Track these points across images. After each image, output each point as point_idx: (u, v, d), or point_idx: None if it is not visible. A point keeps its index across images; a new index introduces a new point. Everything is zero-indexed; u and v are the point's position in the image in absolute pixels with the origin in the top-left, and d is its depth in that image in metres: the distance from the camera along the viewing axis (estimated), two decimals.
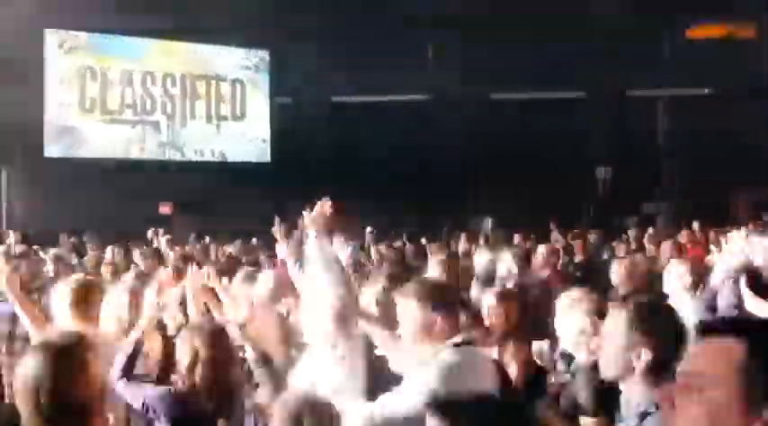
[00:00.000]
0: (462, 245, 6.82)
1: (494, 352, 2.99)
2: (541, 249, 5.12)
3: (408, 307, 2.27)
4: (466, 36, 11.80)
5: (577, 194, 11.77)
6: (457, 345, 2.22)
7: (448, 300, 2.32)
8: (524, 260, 4.70)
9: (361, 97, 12.66)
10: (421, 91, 12.67)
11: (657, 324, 1.87)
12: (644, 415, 1.69)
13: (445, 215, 10.17)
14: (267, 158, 13.14)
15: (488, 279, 4.35)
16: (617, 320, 1.95)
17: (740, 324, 1.23)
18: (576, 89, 12.67)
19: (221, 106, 12.93)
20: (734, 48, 12.70)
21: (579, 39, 11.89)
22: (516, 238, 7.35)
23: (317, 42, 11.76)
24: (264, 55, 13.13)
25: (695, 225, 7.67)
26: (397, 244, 7.02)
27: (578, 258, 6.19)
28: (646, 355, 1.84)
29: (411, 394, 2.13)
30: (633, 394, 1.91)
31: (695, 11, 12.33)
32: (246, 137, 13.12)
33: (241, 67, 13.04)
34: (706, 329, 1.22)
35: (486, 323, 3.29)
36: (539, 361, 3.11)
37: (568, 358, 2.79)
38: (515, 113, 12.10)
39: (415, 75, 12.46)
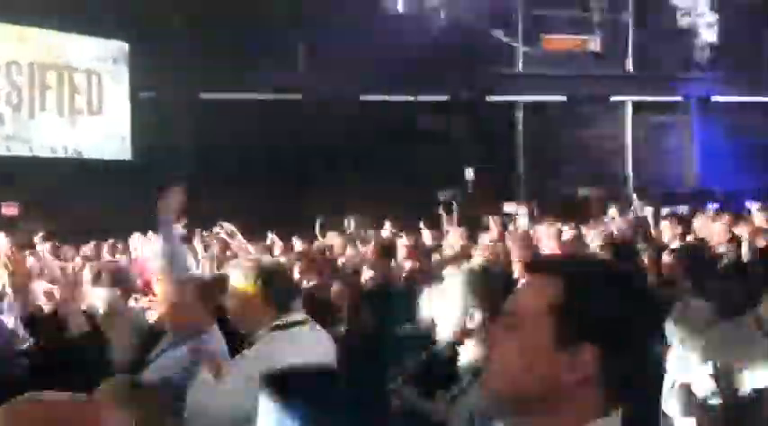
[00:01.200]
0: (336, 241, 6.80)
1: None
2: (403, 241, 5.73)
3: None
4: (335, 36, 11.69)
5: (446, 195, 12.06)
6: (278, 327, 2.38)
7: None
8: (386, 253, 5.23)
9: (229, 94, 12.17)
10: (291, 90, 12.39)
11: (488, 287, 2.01)
12: (478, 371, 1.69)
13: (313, 212, 9.96)
14: (128, 156, 12.31)
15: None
16: (452, 285, 2.10)
17: (558, 263, 1.21)
18: (442, 93, 12.97)
19: (75, 99, 11.91)
20: (584, 59, 13.60)
21: (445, 46, 12.24)
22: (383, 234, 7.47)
23: (184, 35, 11.17)
24: (123, 46, 12.21)
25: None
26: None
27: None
28: (479, 316, 2.00)
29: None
30: (469, 355, 2.03)
31: (551, 23, 13.09)
32: (104, 132, 12.19)
33: (97, 59, 12.08)
34: (527, 268, 1.21)
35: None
36: None
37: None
38: (385, 114, 12.18)
39: (286, 74, 12.17)
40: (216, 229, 6.37)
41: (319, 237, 7.31)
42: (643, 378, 1.18)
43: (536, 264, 1.23)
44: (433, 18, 11.97)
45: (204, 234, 6.75)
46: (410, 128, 12.31)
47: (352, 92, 12.27)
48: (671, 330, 2.81)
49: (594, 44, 13.86)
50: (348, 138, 11.99)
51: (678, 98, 13.91)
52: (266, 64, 11.49)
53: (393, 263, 5.18)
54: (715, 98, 13.90)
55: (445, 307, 2.13)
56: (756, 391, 2.44)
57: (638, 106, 13.67)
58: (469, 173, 12.69)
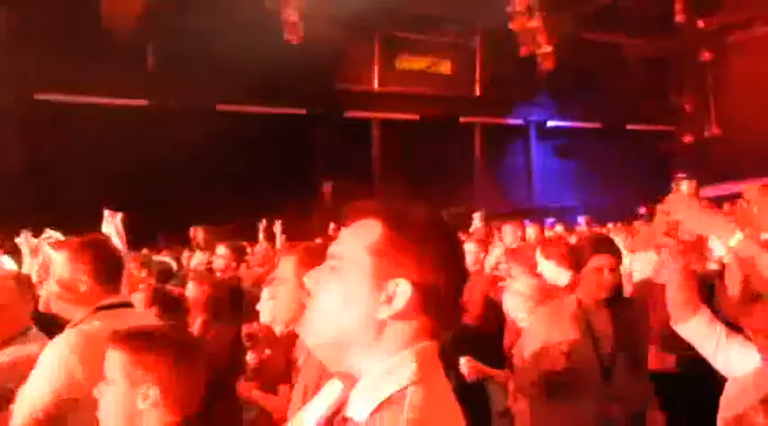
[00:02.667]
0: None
1: None
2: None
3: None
4: (188, 45, 11.13)
5: (304, 206, 11.85)
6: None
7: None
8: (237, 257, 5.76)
9: (66, 96, 11.17)
10: (139, 96, 11.61)
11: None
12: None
13: (159, 225, 9.36)
14: None
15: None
16: (286, 266, 2.13)
17: (377, 207, 1.24)
18: (300, 106, 12.80)
19: None
20: (436, 80, 14.04)
21: (304, 60, 12.12)
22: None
23: (11, 28, 10.09)
24: None
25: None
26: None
27: None
28: None
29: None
30: None
31: (406, 45, 13.39)
32: None
33: None
34: (349, 212, 1.25)
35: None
36: None
37: None
38: (242, 125, 11.77)
39: (135, 80, 11.40)
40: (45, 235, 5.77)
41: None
42: (455, 310, 1.24)
43: (357, 209, 1.25)
44: (294, 31, 11.77)
45: (33, 239, 6.07)
46: (268, 139, 12.00)
47: (207, 100, 11.76)
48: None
49: (446, 67, 14.37)
50: (201, 150, 11.46)
51: (520, 121, 14.77)
52: (109, 64, 10.70)
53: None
54: (550, 123, 14.92)
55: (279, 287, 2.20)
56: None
57: (485, 128, 14.32)
58: (327, 186, 12.61)
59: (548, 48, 13.49)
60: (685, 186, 1.88)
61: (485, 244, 6.26)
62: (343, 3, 11.20)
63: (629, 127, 14.94)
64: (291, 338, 2.93)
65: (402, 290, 1.16)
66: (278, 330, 3.54)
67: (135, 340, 1.82)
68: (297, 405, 1.87)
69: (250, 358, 4.52)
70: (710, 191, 9.13)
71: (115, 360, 1.81)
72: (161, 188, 10.85)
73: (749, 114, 13.32)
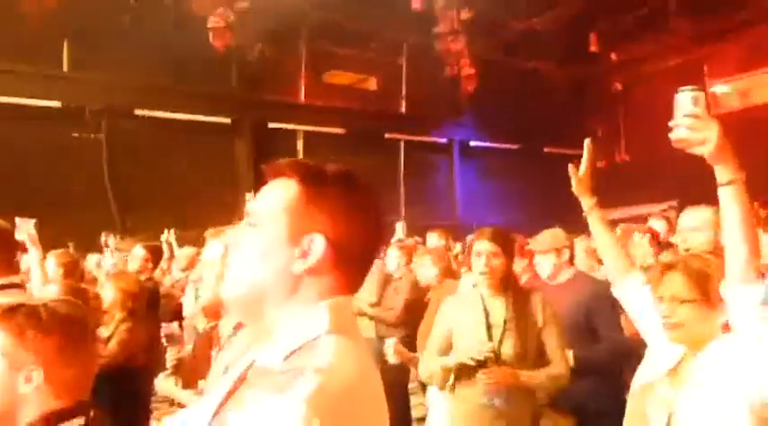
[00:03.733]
0: None
1: None
2: None
3: None
4: (107, 46, 10.69)
5: (226, 215, 11.54)
6: None
7: None
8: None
9: None
10: (55, 97, 11.03)
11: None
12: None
13: (72, 229, 8.89)
14: None
15: None
16: (214, 249, 2.27)
17: (293, 166, 1.27)
18: (225, 115, 12.52)
19: None
20: (362, 96, 14.08)
21: (230, 69, 11.93)
22: None
23: None
24: None
25: None
26: None
27: None
28: None
29: None
30: (227, 325, 2.24)
31: (333, 59, 13.38)
32: None
33: None
34: (267, 172, 1.29)
35: None
36: None
37: None
38: (160, 131, 11.40)
39: (49, 80, 10.83)
40: None
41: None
42: (369, 266, 1.28)
43: (274, 168, 1.28)
44: (221, 38, 11.53)
45: None
46: (190, 147, 11.65)
47: (126, 103, 11.32)
48: None
49: (372, 83, 14.46)
50: (119, 154, 11.02)
51: (444, 140, 15.02)
52: (22, 62, 10.12)
53: None
54: (473, 142, 15.25)
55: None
56: None
57: (409, 144, 14.47)
58: (250, 197, 12.35)
59: (471, 71, 13.83)
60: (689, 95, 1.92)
61: (408, 250, 6.47)
62: (271, 14, 11.08)
63: (546, 149, 15.46)
64: (214, 333, 2.88)
65: (316, 246, 1.20)
66: (200, 326, 3.50)
67: (16, 316, 1.62)
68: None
69: (170, 355, 4.53)
70: (617, 213, 9.57)
71: None
72: (74, 192, 10.33)
73: (655, 142, 14.07)
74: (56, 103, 10.86)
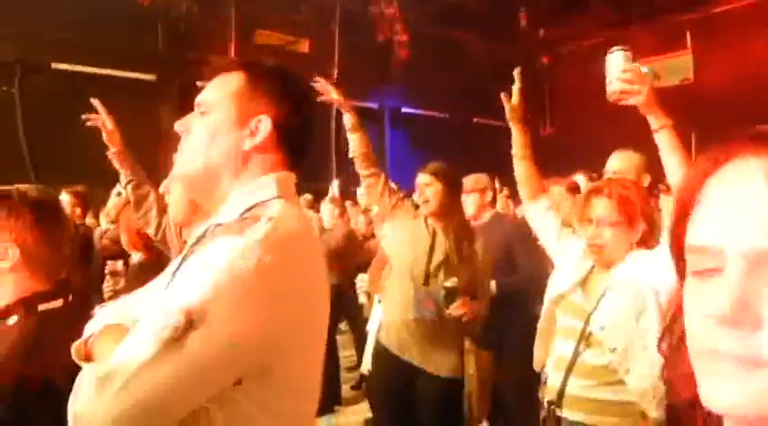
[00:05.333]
0: None
1: None
2: None
3: None
4: None
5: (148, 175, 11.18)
6: None
7: None
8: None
9: None
10: None
11: None
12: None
13: None
14: None
15: None
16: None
17: (238, 60, 1.45)
18: (150, 73, 12.00)
19: None
20: (295, 59, 13.77)
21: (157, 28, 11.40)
22: None
23: None
24: None
25: None
26: None
27: None
28: None
29: None
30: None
31: (265, 20, 12.98)
32: None
33: None
34: (210, 69, 1.45)
35: None
36: None
37: None
38: (79, 87, 10.81)
39: None
40: None
41: None
42: (306, 145, 1.44)
43: (218, 65, 1.46)
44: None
45: None
46: (112, 103, 11.12)
47: (42, 57, 10.67)
48: None
49: (304, 46, 14.15)
50: (38, 110, 10.41)
51: (375, 105, 14.94)
52: None
53: None
54: (404, 109, 15.25)
55: None
56: None
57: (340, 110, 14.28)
58: (173, 157, 11.97)
59: (403, 37, 13.74)
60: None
61: (340, 204, 7.15)
62: None
63: (475, 119, 15.65)
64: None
65: (263, 125, 1.37)
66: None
67: None
68: None
69: (106, 287, 4.46)
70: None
71: None
72: None
73: (577, 116, 14.50)
74: None
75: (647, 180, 3.49)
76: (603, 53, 2.16)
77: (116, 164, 3.18)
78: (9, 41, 10.19)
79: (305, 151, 1.45)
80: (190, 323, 1.11)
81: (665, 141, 2.17)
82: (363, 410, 5.62)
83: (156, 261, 3.25)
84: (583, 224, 2.59)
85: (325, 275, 1.38)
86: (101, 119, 3.06)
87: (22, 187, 1.74)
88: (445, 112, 15.61)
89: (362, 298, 5.43)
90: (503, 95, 2.95)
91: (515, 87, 2.96)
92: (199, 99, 1.43)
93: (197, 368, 1.11)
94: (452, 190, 3.72)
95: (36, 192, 1.73)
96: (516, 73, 2.93)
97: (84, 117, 3.08)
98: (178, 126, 1.42)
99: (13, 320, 1.59)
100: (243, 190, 1.34)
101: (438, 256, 3.51)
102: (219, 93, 1.41)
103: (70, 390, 1.15)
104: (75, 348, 1.25)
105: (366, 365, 5.51)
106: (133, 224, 3.41)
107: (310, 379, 1.36)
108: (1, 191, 1.70)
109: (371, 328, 5.38)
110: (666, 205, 3.60)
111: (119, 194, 5.83)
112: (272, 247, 1.19)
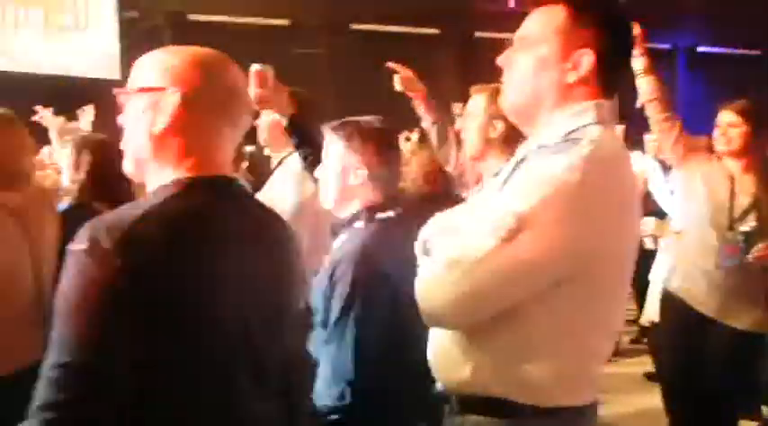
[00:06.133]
0: None
1: None
2: None
3: None
4: None
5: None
6: None
7: None
8: None
9: (217, 17, 11.64)
10: (277, 15, 11.86)
11: None
12: (496, 175, 1.78)
13: None
14: (116, 74, 11.83)
15: None
16: (477, 101, 2.41)
17: None
18: (431, 26, 12.52)
19: (61, 15, 11.35)
20: None
21: None
22: None
23: None
24: None
25: None
26: None
27: None
28: (500, 127, 2.29)
29: None
30: (490, 167, 2.31)
31: None
32: (92, 50, 11.68)
33: None
34: (531, 2, 1.49)
35: None
36: None
37: None
38: (368, 44, 11.77)
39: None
40: None
41: None
42: (618, 80, 1.51)
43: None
44: None
45: None
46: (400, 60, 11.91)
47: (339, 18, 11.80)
48: None
49: None
50: (333, 68, 11.60)
51: (667, 46, 13.60)
52: None
53: None
54: (700, 49, 13.65)
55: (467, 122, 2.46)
56: None
57: None
58: (458, 108, 12.40)
59: None
60: None
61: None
62: None
63: None
64: None
65: (586, 59, 1.41)
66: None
67: (345, 128, 2.08)
68: None
69: None
70: None
71: None
72: None
73: None
74: (281, 21, 11.69)
75: None
76: None
77: (420, 110, 3.49)
78: (314, 7, 11.48)
79: (620, 82, 1.52)
80: (520, 226, 1.27)
81: None
82: (643, 362, 5.43)
83: (440, 195, 3.55)
84: None
85: (637, 194, 1.52)
86: (402, 72, 3.38)
87: (367, 119, 2.08)
88: (753, 49, 13.56)
89: (649, 243, 5.07)
90: None
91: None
92: (521, 33, 1.48)
93: (525, 264, 1.29)
94: (758, 133, 3.34)
95: (378, 123, 2.07)
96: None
97: (388, 65, 3.42)
98: (500, 60, 1.50)
99: (359, 224, 1.99)
100: (564, 115, 1.42)
101: (742, 200, 3.23)
102: (543, 28, 1.45)
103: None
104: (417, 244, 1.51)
105: (648, 316, 5.27)
106: (427, 162, 3.84)
107: (622, 289, 1.47)
108: (351, 123, 2.04)
109: (655, 277, 5.11)
110: None
111: (407, 139, 6.25)
112: (594, 165, 1.31)
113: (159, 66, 1.25)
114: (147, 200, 1.17)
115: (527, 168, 1.37)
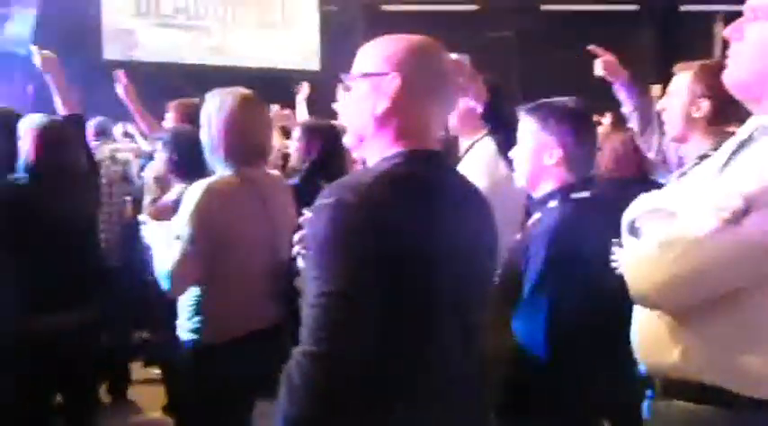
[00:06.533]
0: None
1: None
2: None
3: None
4: None
5: None
6: None
7: None
8: None
9: (409, 6, 11.97)
10: (466, 0, 11.87)
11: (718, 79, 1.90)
12: (702, 157, 1.72)
13: None
14: (316, 66, 12.64)
15: None
16: (681, 80, 2.26)
17: None
18: (630, 2, 11.77)
19: (269, 12, 12.39)
20: None
21: None
22: None
23: None
24: None
25: None
26: None
27: None
28: (706, 107, 2.17)
29: None
30: (693, 149, 2.19)
31: None
32: (295, 44, 12.62)
33: None
34: None
35: None
36: None
37: None
38: (568, 25, 11.33)
39: None
40: None
41: None
42: None
43: None
44: None
45: None
46: (596, 39, 11.34)
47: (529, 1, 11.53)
48: None
49: None
50: (521, 49, 11.38)
51: None
52: None
53: None
54: None
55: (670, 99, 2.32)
56: None
57: None
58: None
59: None
60: None
61: None
62: None
63: None
64: None
65: None
66: None
67: (541, 109, 2.12)
68: None
69: None
70: None
71: None
72: None
73: None
74: (469, 7, 11.69)
75: None
76: None
77: (621, 95, 3.38)
78: None
79: None
80: (747, 208, 1.22)
81: None
82: None
83: (636, 179, 3.53)
84: None
85: None
86: (605, 56, 3.31)
87: (561, 100, 2.11)
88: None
89: None
90: None
91: None
92: (755, 2, 1.38)
93: (749, 248, 1.23)
94: None
95: (573, 104, 2.09)
96: None
97: (590, 48, 3.36)
98: (728, 31, 1.43)
99: (553, 204, 2.01)
100: None
101: None
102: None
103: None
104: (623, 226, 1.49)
105: None
106: (619, 146, 3.75)
107: None
108: (547, 104, 2.08)
109: None
110: None
111: (599, 123, 6.02)
112: None
113: (381, 54, 1.36)
114: (376, 168, 1.32)
115: (756, 148, 1.30)
